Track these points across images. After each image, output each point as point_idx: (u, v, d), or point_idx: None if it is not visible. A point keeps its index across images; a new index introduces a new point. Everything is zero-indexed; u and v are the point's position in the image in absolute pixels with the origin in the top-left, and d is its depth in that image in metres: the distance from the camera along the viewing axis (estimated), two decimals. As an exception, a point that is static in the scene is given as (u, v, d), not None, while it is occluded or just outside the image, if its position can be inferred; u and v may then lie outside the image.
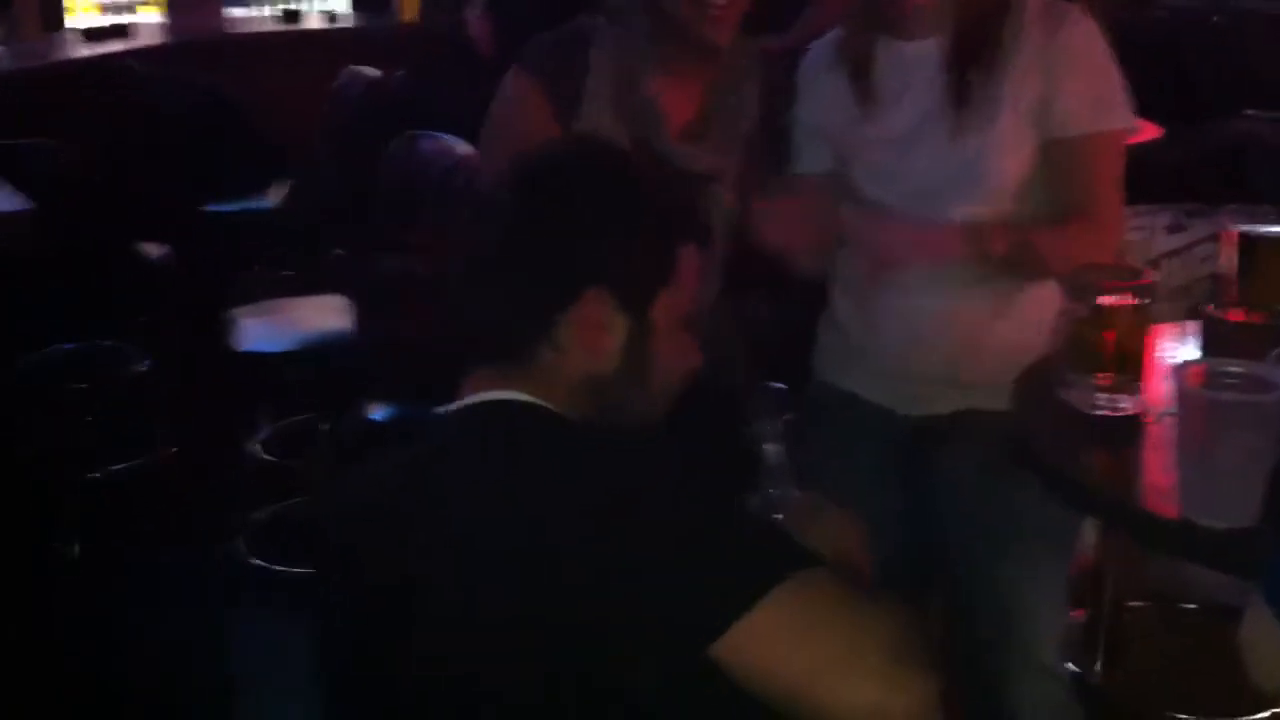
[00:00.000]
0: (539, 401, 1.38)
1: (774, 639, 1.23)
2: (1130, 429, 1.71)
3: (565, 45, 2.14)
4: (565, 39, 2.16)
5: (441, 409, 1.44)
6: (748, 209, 2.01)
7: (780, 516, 1.48)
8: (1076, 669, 2.78)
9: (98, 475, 3.73)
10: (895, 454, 2.07)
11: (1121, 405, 1.73)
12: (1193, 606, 2.86)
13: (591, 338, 1.39)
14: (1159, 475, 1.56)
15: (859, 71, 2.00)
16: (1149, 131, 4.03)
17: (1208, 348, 1.74)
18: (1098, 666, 2.78)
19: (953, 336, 1.98)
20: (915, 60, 1.97)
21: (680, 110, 2.12)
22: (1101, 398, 1.73)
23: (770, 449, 1.53)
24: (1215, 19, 5.88)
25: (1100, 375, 1.73)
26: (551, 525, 1.25)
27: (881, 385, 2.05)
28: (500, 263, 1.43)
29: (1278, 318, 1.73)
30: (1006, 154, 1.93)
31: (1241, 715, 2.58)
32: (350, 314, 3.26)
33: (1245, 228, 1.91)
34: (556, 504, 1.26)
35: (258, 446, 3.67)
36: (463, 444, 1.38)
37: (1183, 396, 1.48)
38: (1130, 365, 1.73)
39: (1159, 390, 1.71)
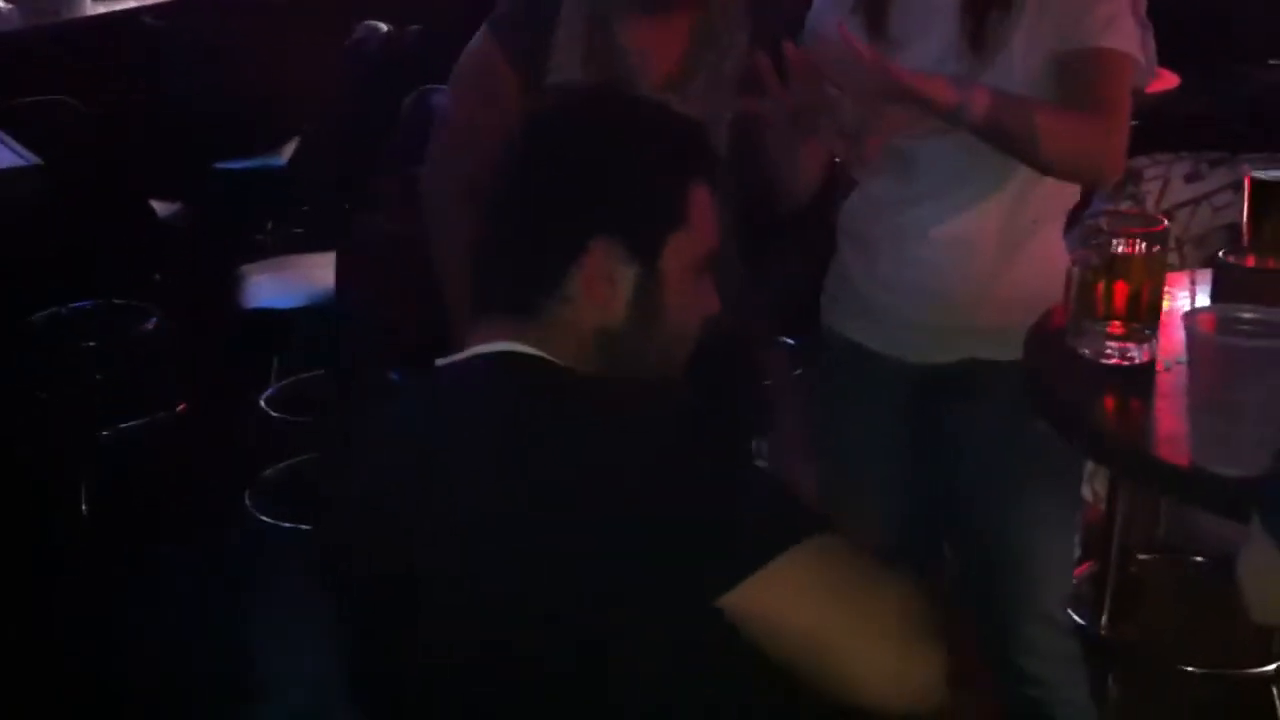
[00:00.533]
0: (540, 354, 1.35)
1: (793, 596, 1.22)
2: (1142, 377, 1.69)
3: (536, 3, 2.07)
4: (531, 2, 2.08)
5: (443, 360, 1.42)
6: (744, 155, 1.98)
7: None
8: (1083, 621, 2.78)
9: (107, 433, 3.73)
10: (905, 403, 2.05)
11: (1132, 354, 1.71)
12: (1201, 559, 2.85)
13: (601, 289, 1.36)
14: (1171, 423, 1.55)
15: (875, 11, 1.95)
16: (1168, 80, 3.99)
17: (1220, 294, 1.71)
18: (1105, 619, 2.77)
19: (959, 284, 1.95)
20: (932, 2, 1.93)
21: (661, 57, 2.04)
22: (1113, 346, 1.72)
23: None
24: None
25: (1112, 323, 1.71)
26: (551, 482, 1.23)
27: (890, 335, 2.03)
28: (506, 216, 1.41)
29: (1292, 263, 1.70)
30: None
31: (1249, 667, 2.57)
32: (356, 270, 3.24)
33: (1257, 173, 1.87)
34: (555, 461, 1.24)
35: (264, 404, 3.67)
36: (457, 400, 1.37)
37: (1195, 342, 1.45)
38: (1142, 313, 1.71)
39: (1171, 339, 1.68)
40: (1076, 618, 2.77)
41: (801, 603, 1.22)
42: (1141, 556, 2.94)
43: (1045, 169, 1.85)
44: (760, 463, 1.50)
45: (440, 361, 1.42)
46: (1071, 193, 2.02)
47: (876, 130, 1.81)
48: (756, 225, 2.11)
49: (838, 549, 1.25)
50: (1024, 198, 1.93)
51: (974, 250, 1.94)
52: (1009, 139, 1.81)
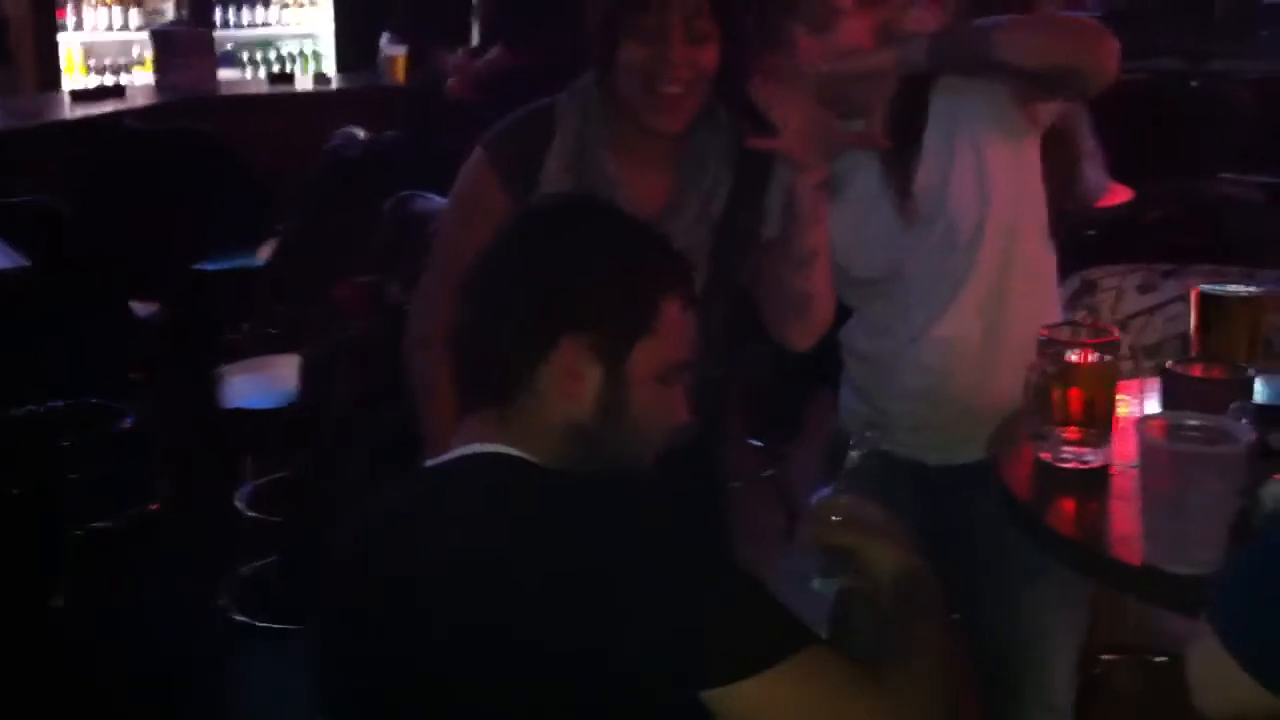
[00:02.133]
0: (521, 454, 1.41)
1: (790, 703, 1.28)
2: (1097, 480, 1.76)
3: (528, 128, 2.10)
4: (530, 122, 2.11)
5: (430, 462, 1.48)
6: (727, 276, 2.05)
7: (839, 518, 1.53)
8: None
9: (80, 532, 3.74)
10: (926, 503, 2.07)
11: (1088, 458, 1.77)
12: (1163, 659, 2.89)
13: (568, 385, 1.42)
14: (1125, 524, 1.61)
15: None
16: (1121, 194, 4.11)
17: (1170, 402, 1.79)
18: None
19: (963, 383, 2.00)
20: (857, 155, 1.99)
21: (648, 196, 2.05)
22: (1069, 451, 1.78)
23: (854, 456, 1.58)
24: (1194, 83, 5.98)
25: (1068, 429, 1.78)
26: (534, 583, 1.28)
27: (908, 440, 2.06)
28: (482, 311, 1.47)
29: (1236, 373, 1.78)
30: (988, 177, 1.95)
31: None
32: (319, 374, 3.28)
33: (1206, 286, 1.96)
34: (537, 561, 1.29)
35: (240, 503, 3.69)
36: (445, 502, 1.41)
37: (1146, 448, 1.52)
38: (1097, 420, 1.78)
39: (1125, 443, 1.75)
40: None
41: (793, 710, 1.28)
42: (1105, 657, 2.99)
43: (1030, 76, 1.86)
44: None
45: (429, 463, 1.48)
46: (1049, 291, 2.09)
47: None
48: (723, 331, 2.16)
49: (830, 660, 1.31)
50: (1002, 294, 1.99)
51: (968, 347, 1.99)
52: (969, 62, 1.87)
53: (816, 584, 1.49)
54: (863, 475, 2.10)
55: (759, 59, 1.93)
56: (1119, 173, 4.26)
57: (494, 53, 4.82)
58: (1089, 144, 2.27)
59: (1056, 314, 2.11)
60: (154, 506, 3.89)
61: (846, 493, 1.57)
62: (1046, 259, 2.08)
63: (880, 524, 1.54)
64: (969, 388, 2.00)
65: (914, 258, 1.98)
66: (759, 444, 3.77)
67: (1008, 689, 2.11)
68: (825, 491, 1.57)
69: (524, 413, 1.43)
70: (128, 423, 3.90)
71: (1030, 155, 2.00)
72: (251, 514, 3.59)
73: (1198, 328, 1.98)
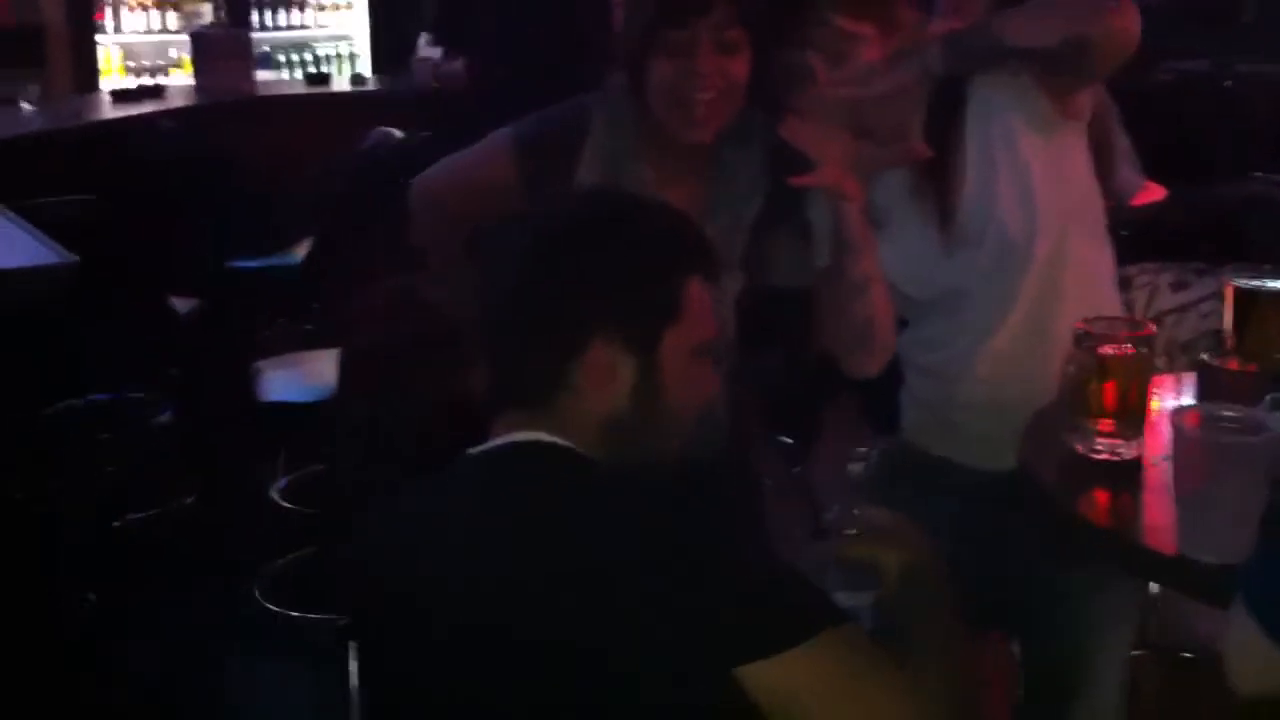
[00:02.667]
0: (563, 442, 1.44)
1: (817, 680, 1.31)
2: (1131, 472, 1.77)
3: (561, 138, 2.09)
4: (563, 130, 2.10)
5: (472, 450, 1.51)
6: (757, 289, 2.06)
7: (855, 531, 1.53)
8: None
9: (118, 523, 3.78)
10: (985, 509, 2.07)
11: (1121, 450, 1.79)
12: (1189, 655, 2.90)
13: (603, 380, 1.45)
14: (1158, 515, 1.63)
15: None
16: (1154, 192, 4.11)
17: (1204, 395, 1.80)
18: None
19: (1025, 398, 1.97)
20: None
21: (680, 207, 1.99)
22: (1103, 443, 1.80)
23: (855, 468, 1.57)
24: (1227, 83, 5.98)
25: (1103, 422, 1.80)
26: (576, 562, 1.32)
27: (978, 450, 2.06)
28: (512, 317, 1.50)
29: (1271, 366, 1.80)
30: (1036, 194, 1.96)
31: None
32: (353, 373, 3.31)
33: (1240, 281, 1.98)
34: (579, 542, 1.33)
35: (276, 495, 3.73)
36: (491, 486, 1.44)
37: (1180, 438, 1.54)
38: (1131, 413, 1.80)
39: (1159, 437, 1.77)
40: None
41: (820, 687, 1.31)
42: (1132, 654, 3.00)
43: (1042, 58, 1.87)
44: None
45: (471, 450, 1.51)
46: (1104, 287, 2.10)
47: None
48: (751, 330, 2.16)
49: (856, 641, 1.34)
50: (1055, 295, 1.99)
51: (1027, 353, 1.99)
52: (981, 55, 1.87)
53: (844, 598, 1.51)
54: (915, 481, 2.13)
55: (784, 96, 1.92)
56: (1150, 173, 4.27)
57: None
58: (1122, 140, 2.27)
59: (1115, 308, 2.11)
60: (190, 500, 3.94)
61: (859, 504, 1.59)
62: (1100, 255, 2.08)
63: (888, 527, 1.56)
64: (1029, 394, 1.98)
65: (967, 277, 1.98)
66: (790, 441, 3.80)
67: (1057, 699, 2.11)
68: (835, 509, 1.58)
69: (561, 409, 1.46)
70: (165, 416, 3.95)
71: (1075, 150, 2.00)
72: (288, 506, 3.63)
73: (1233, 322, 1.99)
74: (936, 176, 1.96)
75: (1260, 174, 4.99)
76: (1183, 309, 2.70)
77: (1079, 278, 2.02)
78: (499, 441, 1.48)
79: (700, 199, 2.06)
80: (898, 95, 1.87)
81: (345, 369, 2.96)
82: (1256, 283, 2.01)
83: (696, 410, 1.52)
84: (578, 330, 1.45)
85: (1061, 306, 1.98)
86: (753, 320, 2.14)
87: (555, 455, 1.44)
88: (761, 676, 1.30)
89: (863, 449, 1.56)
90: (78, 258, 3.36)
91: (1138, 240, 4.02)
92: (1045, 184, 1.95)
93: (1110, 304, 2.10)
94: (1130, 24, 1.86)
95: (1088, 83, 1.98)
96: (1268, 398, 1.65)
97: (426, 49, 6.13)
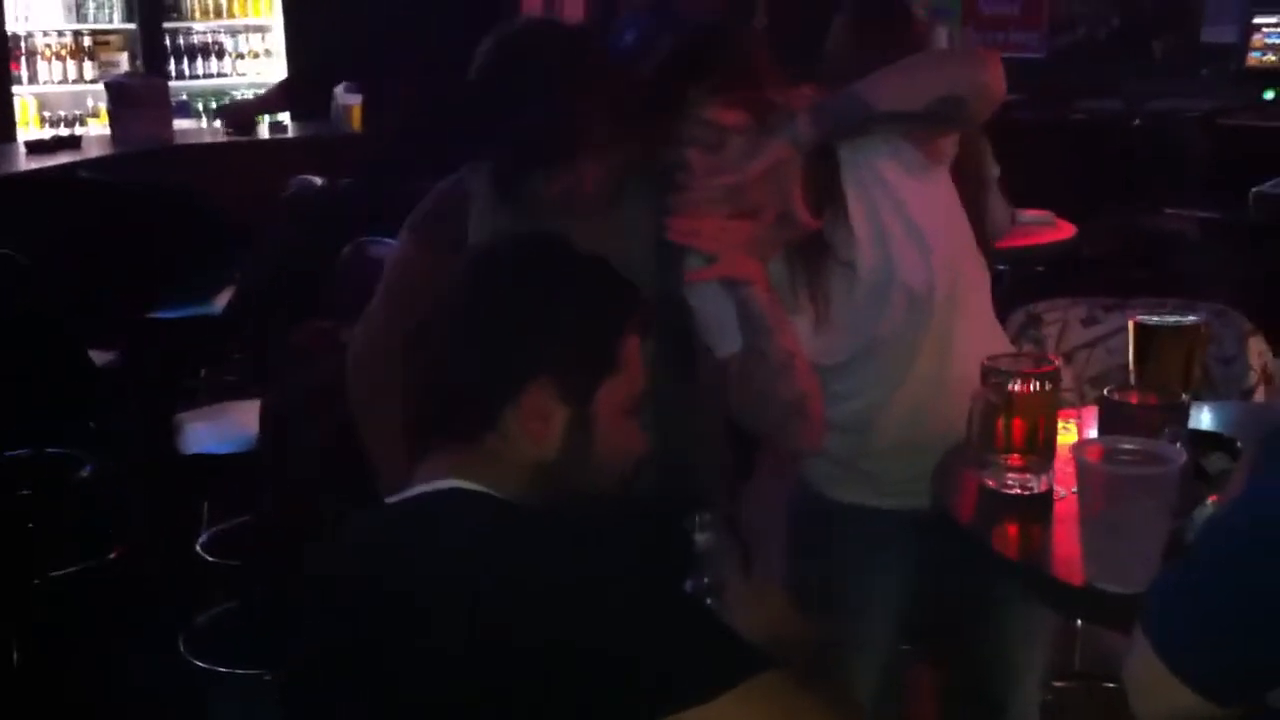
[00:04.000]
0: (485, 489, 1.44)
1: None
2: (1041, 506, 1.81)
3: (447, 210, 2.14)
4: (448, 203, 2.15)
5: (392, 498, 1.50)
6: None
7: (710, 601, 1.51)
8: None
9: (39, 581, 3.73)
10: (917, 540, 2.10)
11: (1031, 484, 1.83)
12: (1114, 685, 2.93)
13: (535, 427, 1.45)
14: (1068, 547, 1.66)
15: None
16: (1065, 230, 4.20)
17: (1108, 428, 1.84)
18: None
19: (936, 436, 2.00)
20: None
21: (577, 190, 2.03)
22: (1013, 477, 1.84)
23: (702, 538, 1.54)
24: (1136, 121, 6.11)
25: (1012, 457, 1.84)
26: (495, 611, 1.31)
27: (897, 490, 2.08)
28: (448, 354, 1.50)
29: (1172, 399, 1.84)
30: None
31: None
32: (277, 420, 3.29)
33: (1142, 316, 2.03)
34: (499, 591, 1.32)
35: (200, 548, 3.69)
36: (409, 534, 1.44)
37: (1083, 471, 1.58)
38: (1039, 447, 1.84)
39: (1067, 470, 1.81)
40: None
41: None
42: (1057, 684, 3.04)
43: (915, 118, 1.89)
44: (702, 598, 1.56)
45: (390, 499, 1.51)
46: (992, 319, 2.15)
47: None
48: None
49: (782, 687, 1.34)
50: (951, 335, 2.02)
51: (933, 395, 2.02)
52: (851, 123, 1.89)
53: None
54: (833, 529, 2.15)
55: (665, 200, 1.92)
56: (1063, 210, 4.36)
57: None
58: (992, 173, 2.31)
59: (1002, 340, 2.17)
60: (115, 554, 3.88)
61: (712, 574, 1.53)
62: (984, 290, 2.13)
63: (746, 600, 1.53)
64: (937, 435, 2.01)
65: (876, 334, 2.00)
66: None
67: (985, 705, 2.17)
68: (691, 583, 1.52)
69: (489, 453, 1.46)
70: (88, 471, 3.90)
71: (946, 192, 2.03)
72: (211, 559, 3.59)
73: (1135, 357, 2.04)
74: (825, 246, 1.97)
75: (1172, 210, 5.11)
76: (1092, 344, 2.75)
77: (970, 315, 2.06)
78: (420, 489, 1.47)
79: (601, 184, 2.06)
80: (774, 171, 1.87)
81: (268, 413, 2.95)
82: (1157, 319, 2.06)
83: (622, 466, 1.53)
84: (516, 374, 1.45)
85: (959, 345, 2.02)
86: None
87: (478, 504, 1.43)
88: None
89: (704, 516, 1.55)
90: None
91: (1050, 277, 4.12)
92: (932, 228, 1.98)
93: (997, 335, 2.15)
94: (998, 76, 1.89)
95: (957, 132, 2.01)
96: (1167, 430, 1.70)
97: (345, 96, 6.13)
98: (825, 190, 1.94)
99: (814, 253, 1.98)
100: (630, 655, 1.30)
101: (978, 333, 2.07)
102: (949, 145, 2.01)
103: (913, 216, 1.97)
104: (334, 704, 1.43)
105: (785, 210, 1.90)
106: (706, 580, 1.53)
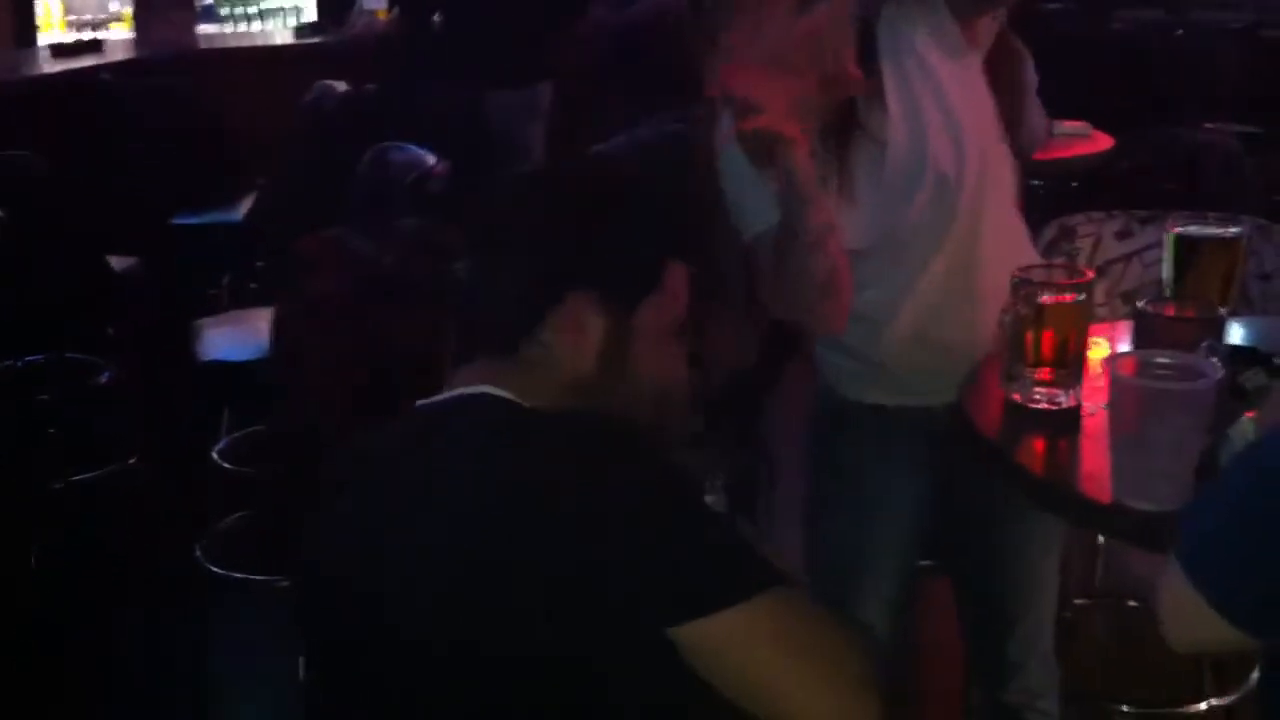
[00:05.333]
0: (511, 396, 1.41)
1: (754, 641, 1.28)
2: (1068, 421, 1.75)
3: None
4: None
5: (423, 402, 1.47)
6: None
7: None
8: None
9: (59, 485, 3.73)
10: (929, 445, 2.07)
11: (1059, 399, 1.77)
12: (1135, 604, 2.92)
13: (572, 336, 1.42)
14: (1094, 462, 1.61)
15: None
16: (1102, 142, 4.11)
17: (1142, 341, 1.78)
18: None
19: (956, 329, 1.99)
20: None
21: None
22: (1040, 391, 1.78)
23: (710, 500, 1.50)
24: (1179, 32, 5.98)
25: (1040, 370, 1.78)
26: (518, 512, 1.28)
27: (911, 384, 2.05)
28: (491, 261, 1.47)
29: (1209, 312, 1.78)
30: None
31: (1184, 705, 2.65)
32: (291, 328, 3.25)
33: (1179, 228, 1.96)
34: (522, 492, 1.29)
35: (217, 455, 3.69)
36: (424, 436, 1.41)
37: (1116, 385, 1.52)
38: (1069, 361, 1.78)
39: (1097, 385, 1.75)
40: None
41: (757, 648, 1.28)
42: (1078, 601, 3.01)
43: None
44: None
45: (421, 403, 1.47)
46: (1018, 219, 2.08)
47: None
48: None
49: (795, 602, 1.32)
50: (979, 229, 1.97)
51: (955, 286, 1.98)
52: None
53: None
54: (853, 429, 2.12)
55: (718, 50, 1.83)
56: (1101, 121, 4.26)
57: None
58: (1031, 80, 2.23)
59: (1028, 244, 2.10)
60: (132, 461, 3.88)
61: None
62: (1010, 186, 2.06)
63: None
64: (957, 329, 1.98)
65: (904, 216, 1.95)
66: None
67: (997, 634, 2.14)
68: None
69: (526, 363, 1.42)
70: (105, 377, 3.89)
71: (979, 81, 1.97)
72: (228, 467, 3.59)
73: (1173, 269, 1.98)
74: (855, 124, 1.92)
75: (1211, 124, 5.00)
76: (1127, 258, 2.68)
77: (997, 212, 2.00)
78: (444, 396, 1.44)
79: None
80: (823, 30, 1.79)
81: (278, 324, 2.92)
82: (1197, 230, 1.99)
83: (659, 391, 1.49)
84: (556, 282, 1.42)
85: (984, 243, 1.97)
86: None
87: (504, 410, 1.40)
88: (696, 636, 1.27)
89: (715, 479, 1.51)
90: (3, 215, 3.29)
91: (1085, 190, 4.03)
92: (965, 111, 1.93)
93: (1023, 240, 2.08)
94: None
95: (997, 5, 1.95)
96: (1204, 344, 1.63)
97: (368, 0, 6.06)
98: (861, 67, 1.88)
99: (844, 130, 1.93)
100: (637, 563, 1.26)
101: (1004, 233, 2.02)
102: (986, 31, 1.96)
103: (948, 99, 1.92)
104: (345, 607, 1.40)
105: (834, 73, 1.82)
106: None
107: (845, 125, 1.92)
